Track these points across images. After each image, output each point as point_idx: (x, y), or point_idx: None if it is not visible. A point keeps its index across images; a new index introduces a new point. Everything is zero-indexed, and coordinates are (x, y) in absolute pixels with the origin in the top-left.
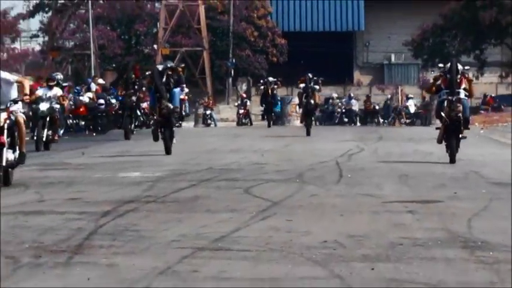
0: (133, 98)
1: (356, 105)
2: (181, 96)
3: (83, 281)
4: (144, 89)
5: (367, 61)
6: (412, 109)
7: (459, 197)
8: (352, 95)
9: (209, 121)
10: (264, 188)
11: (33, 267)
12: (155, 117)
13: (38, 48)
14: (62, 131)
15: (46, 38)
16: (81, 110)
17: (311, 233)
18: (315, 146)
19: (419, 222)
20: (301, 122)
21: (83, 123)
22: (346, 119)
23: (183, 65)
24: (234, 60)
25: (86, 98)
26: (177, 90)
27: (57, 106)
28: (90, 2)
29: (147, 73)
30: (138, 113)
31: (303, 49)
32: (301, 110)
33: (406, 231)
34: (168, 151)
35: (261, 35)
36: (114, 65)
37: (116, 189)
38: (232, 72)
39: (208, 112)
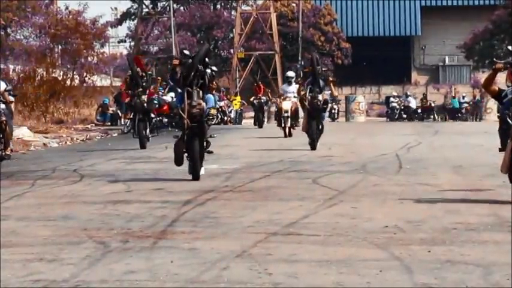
0: (144, 98)
1: (413, 103)
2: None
3: (167, 264)
4: (153, 86)
5: (424, 63)
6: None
7: (507, 186)
8: (409, 93)
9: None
10: (331, 178)
11: (121, 251)
12: (183, 122)
13: (125, 52)
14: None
15: (132, 43)
16: (164, 108)
17: (373, 219)
18: (377, 140)
19: (471, 208)
20: (303, 129)
21: (166, 120)
22: (404, 115)
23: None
24: (303, 63)
25: (168, 97)
26: (209, 95)
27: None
28: (172, 10)
29: (173, 61)
30: (152, 115)
31: (365, 52)
32: (304, 109)
33: (459, 217)
34: (195, 174)
35: (327, 39)
36: None
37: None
38: (301, 73)
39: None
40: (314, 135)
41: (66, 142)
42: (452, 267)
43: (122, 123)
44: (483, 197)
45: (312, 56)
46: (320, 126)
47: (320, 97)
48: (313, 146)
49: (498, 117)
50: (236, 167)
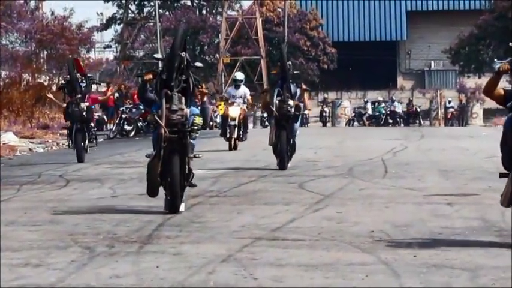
0: (83, 106)
1: (399, 108)
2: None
3: (153, 268)
4: (92, 90)
5: (409, 67)
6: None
7: (494, 190)
8: (394, 98)
9: (266, 123)
10: (317, 182)
11: (107, 256)
12: (160, 132)
13: (111, 57)
14: (133, 133)
15: (118, 48)
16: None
17: (359, 223)
18: (363, 144)
19: (458, 212)
20: (270, 142)
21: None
22: (390, 120)
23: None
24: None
25: None
26: (194, 108)
27: None
28: (158, 15)
29: (145, 76)
30: (92, 124)
31: (351, 57)
32: (271, 118)
33: (446, 221)
34: (173, 207)
35: (313, 44)
36: None
37: None
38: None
39: (265, 114)
40: (284, 151)
41: (52, 147)
42: (439, 271)
43: (108, 128)
44: (469, 201)
45: (282, 50)
46: (292, 141)
47: (291, 102)
48: (282, 165)
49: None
50: (223, 171)
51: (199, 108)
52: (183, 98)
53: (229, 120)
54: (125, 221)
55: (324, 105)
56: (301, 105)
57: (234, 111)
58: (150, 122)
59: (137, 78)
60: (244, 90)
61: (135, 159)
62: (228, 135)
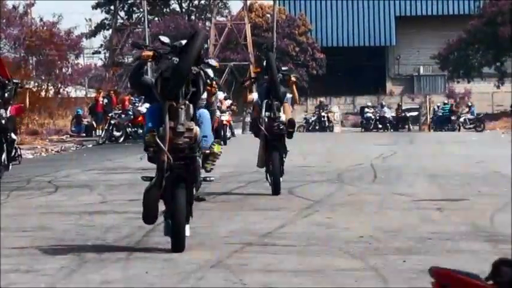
0: (2, 113)
1: (388, 113)
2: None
3: (142, 274)
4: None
5: (398, 73)
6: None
7: (483, 195)
8: (384, 103)
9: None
10: (307, 188)
11: (96, 262)
12: (162, 158)
13: (100, 63)
14: (122, 139)
15: (107, 54)
16: (139, 119)
17: (349, 228)
18: (353, 150)
19: (447, 217)
20: (258, 164)
21: (141, 131)
22: (380, 125)
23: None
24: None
25: (143, 108)
26: (205, 111)
27: None
28: (146, 21)
29: (144, 53)
30: (13, 136)
31: (340, 62)
32: (260, 136)
33: (435, 226)
34: (179, 244)
35: (302, 50)
36: None
37: None
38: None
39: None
40: (278, 174)
41: (41, 153)
42: (428, 276)
43: (97, 134)
44: (458, 206)
45: (269, 58)
46: (284, 156)
47: (282, 116)
48: (277, 190)
49: None
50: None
51: (211, 111)
52: (191, 107)
53: None
54: (114, 227)
55: (321, 110)
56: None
57: None
58: (148, 145)
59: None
60: (221, 94)
61: (124, 165)
62: None
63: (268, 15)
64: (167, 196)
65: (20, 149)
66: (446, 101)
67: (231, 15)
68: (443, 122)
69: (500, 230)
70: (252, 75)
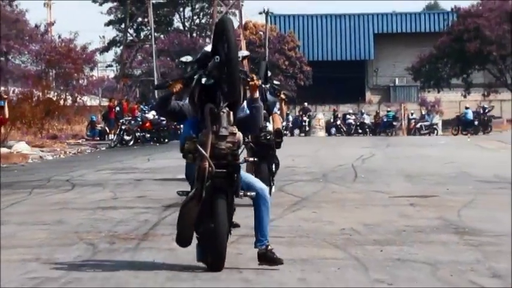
0: None
1: (367, 119)
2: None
3: (149, 262)
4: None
5: (376, 84)
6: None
7: (452, 192)
8: (363, 111)
9: None
10: (295, 186)
11: (108, 252)
12: (203, 166)
13: (112, 75)
14: (131, 142)
15: (118, 67)
16: (147, 125)
17: (333, 222)
18: (337, 152)
19: (420, 212)
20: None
21: (149, 135)
22: (360, 131)
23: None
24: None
25: (150, 115)
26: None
27: None
28: (153, 38)
29: (175, 86)
30: None
31: (324, 74)
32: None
33: (409, 220)
34: (217, 266)
35: (291, 63)
36: None
37: (175, 188)
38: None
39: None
40: (267, 184)
41: (59, 155)
42: (403, 264)
43: (110, 138)
44: (430, 202)
45: (261, 64)
46: (274, 164)
47: (269, 126)
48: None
49: None
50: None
51: (255, 107)
52: (231, 114)
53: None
54: (124, 220)
55: (304, 114)
56: (282, 125)
57: None
58: (188, 152)
59: (137, 92)
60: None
61: (132, 166)
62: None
63: (261, 33)
64: (205, 209)
65: None
66: (389, 109)
67: None
68: (387, 126)
69: (467, 223)
70: None
